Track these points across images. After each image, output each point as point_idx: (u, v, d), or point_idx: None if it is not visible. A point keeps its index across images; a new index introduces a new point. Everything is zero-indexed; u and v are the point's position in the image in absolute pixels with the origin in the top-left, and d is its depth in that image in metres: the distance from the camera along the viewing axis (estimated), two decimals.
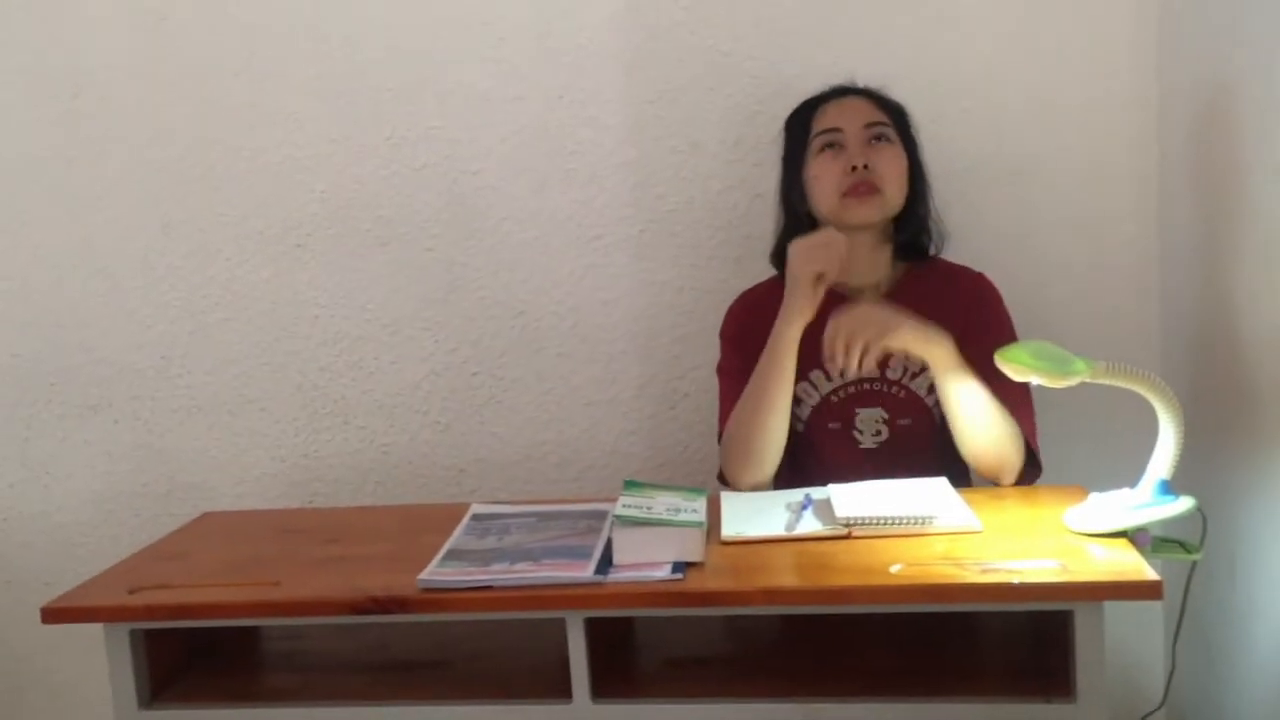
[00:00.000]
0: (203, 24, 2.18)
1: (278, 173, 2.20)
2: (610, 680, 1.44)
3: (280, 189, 2.20)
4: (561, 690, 1.41)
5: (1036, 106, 2.03)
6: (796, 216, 1.83)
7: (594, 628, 1.40)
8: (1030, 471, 1.71)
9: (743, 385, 1.73)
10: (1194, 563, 1.48)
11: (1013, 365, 1.44)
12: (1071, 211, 2.05)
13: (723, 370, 1.86)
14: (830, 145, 1.78)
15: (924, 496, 1.54)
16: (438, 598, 1.40)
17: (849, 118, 1.78)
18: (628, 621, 1.59)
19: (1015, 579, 1.31)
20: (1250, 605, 1.71)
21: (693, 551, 1.42)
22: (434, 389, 2.23)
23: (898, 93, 1.85)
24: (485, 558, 1.47)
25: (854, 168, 1.74)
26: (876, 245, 1.80)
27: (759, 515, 1.57)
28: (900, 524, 1.47)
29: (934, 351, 1.63)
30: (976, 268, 1.84)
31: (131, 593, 1.48)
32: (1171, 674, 1.58)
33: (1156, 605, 1.94)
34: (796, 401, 1.74)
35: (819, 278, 1.65)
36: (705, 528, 1.46)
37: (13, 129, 2.24)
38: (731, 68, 2.09)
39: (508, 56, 2.13)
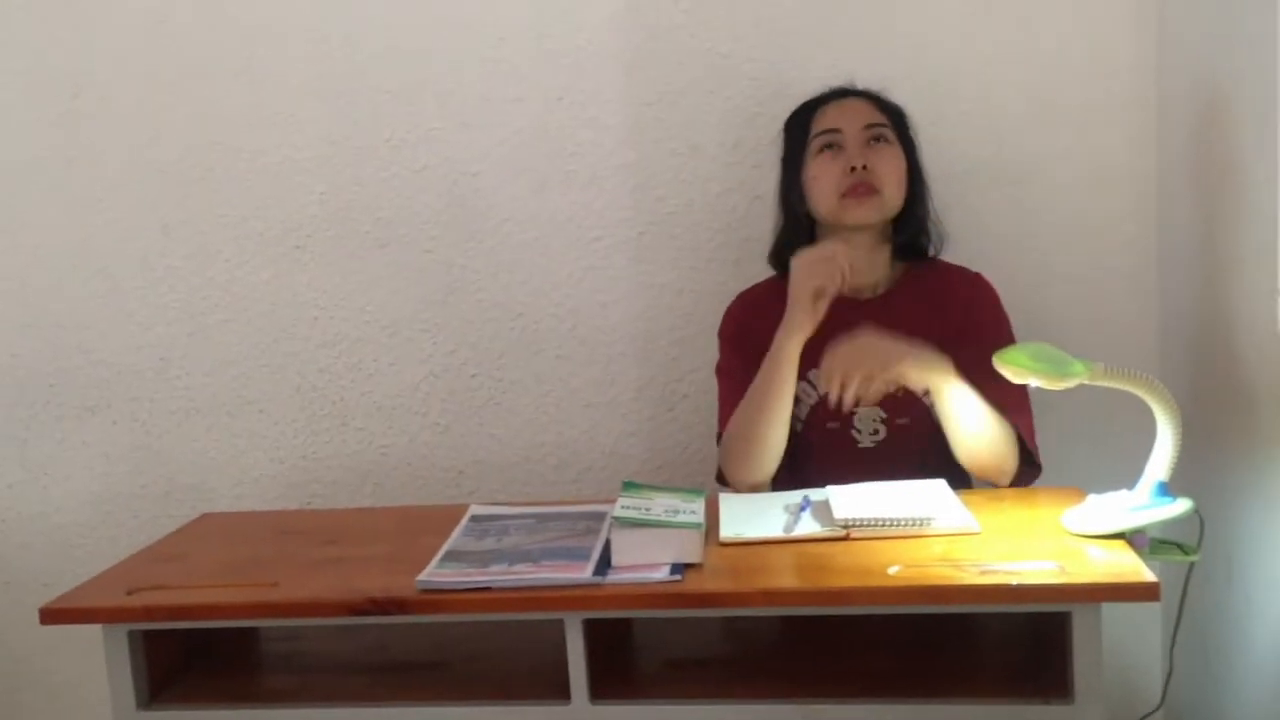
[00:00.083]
0: (203, 25, 2.18)
1: (277, 174, 2.20)
2: (609, 681, 1.43)
3: (280, 190, 2.20)
4: (560, 691, 1.41)
5: (1036, 108, 2.03)
6: (795, 217, 1.83)
7: (592, 629, 1.40)
8: (1029, 472, 1.71)
9: (742, 385, 1.73)
10: (1192, 564, 1.48)
11: (1011, 367, 1.44)
12: (1071, 213, 2.05)
13: (722, 370, 1.86)
14: (829, 146, 1.78)
15: (922, 498, 1.54)
16: (436, 599, 1.40)
17: (848, 119, 1.79)
18: (626, 623, 1.59)
19: (1013, 580, 1.31)
20: (1248, 606, 1.71)
21: (691, 553, 1.42)
22: (433, 390, 2.23)
23: (897, 94, 1.85)
24: (484, 559, 1.47)
25: (853, 168, 1.74)
26: (875, 246, 1.81)
27: (757, 516, 1.57)
28: (898, 525, 1.47)
29: (933, 378, 1.63)
30: (975, 269, 1.84)
31: (130, 594, 1.48)
32: (1169, 675, 1.58)
33: (1154, 607, 1.94)
34: (795, 401, 1.74)
35: (820, 293, 1.66)
36: (704, 529, 1.46)
37: (13, 129, 2.24)
38: (731, 70, 2.09)
39: (507, 57, 2.13)
